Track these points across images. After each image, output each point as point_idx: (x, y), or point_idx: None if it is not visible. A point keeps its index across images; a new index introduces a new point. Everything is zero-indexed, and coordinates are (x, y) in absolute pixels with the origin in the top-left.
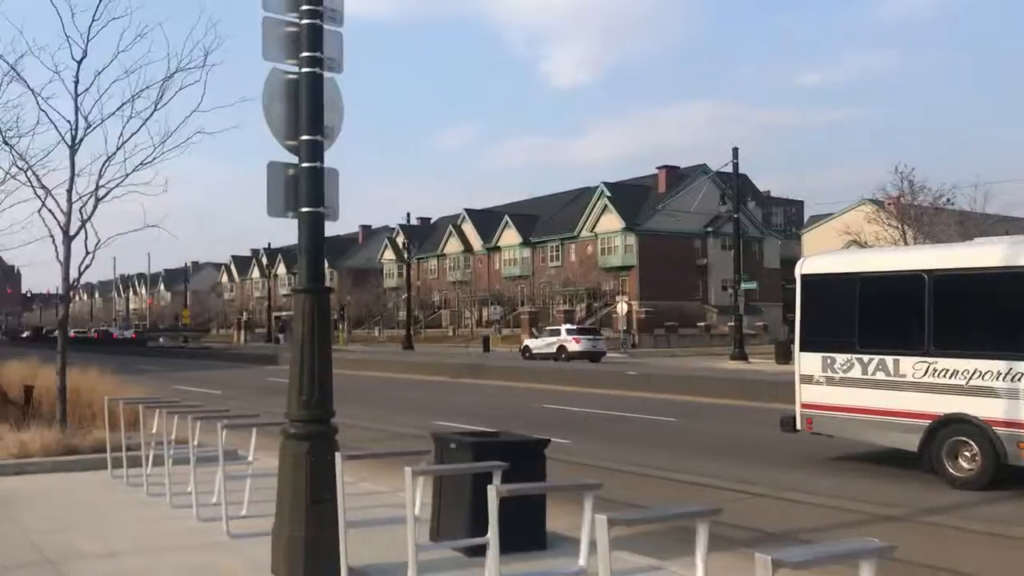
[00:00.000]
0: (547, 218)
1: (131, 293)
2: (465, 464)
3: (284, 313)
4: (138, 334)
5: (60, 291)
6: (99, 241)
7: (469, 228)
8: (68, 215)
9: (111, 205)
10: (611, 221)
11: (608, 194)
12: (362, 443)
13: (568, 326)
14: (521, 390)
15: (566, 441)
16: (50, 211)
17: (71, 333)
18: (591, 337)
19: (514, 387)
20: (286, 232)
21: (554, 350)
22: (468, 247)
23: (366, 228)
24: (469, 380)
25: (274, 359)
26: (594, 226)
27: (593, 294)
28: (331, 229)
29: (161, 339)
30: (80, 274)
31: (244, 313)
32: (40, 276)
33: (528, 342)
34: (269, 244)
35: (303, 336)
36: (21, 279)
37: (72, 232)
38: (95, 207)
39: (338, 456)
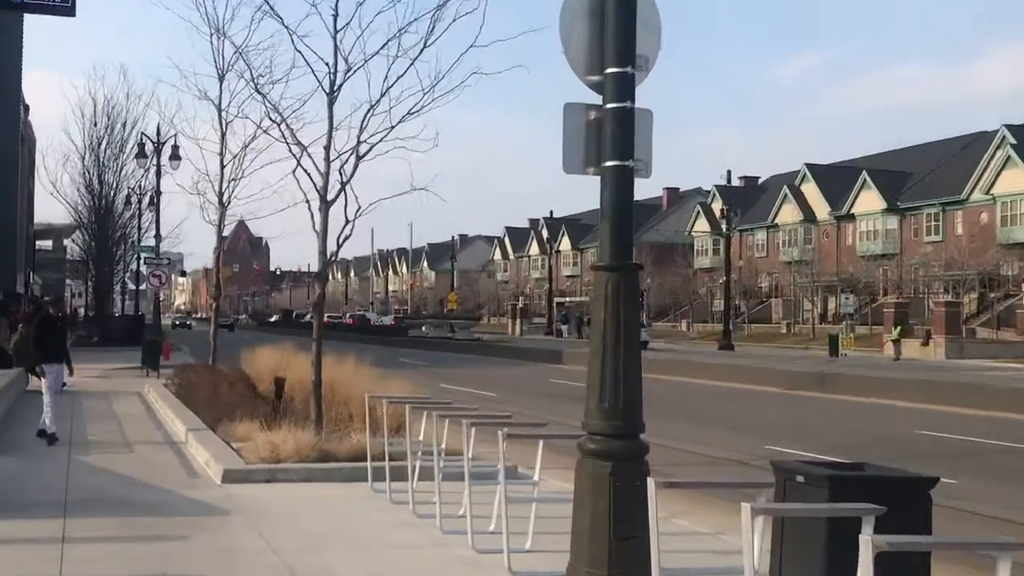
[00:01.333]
0: (921, 176)
1: (390, 271)
2: (823, 504)
3: (567, 300)
4: (398, 321)
5: (315, 268)
6: (359, 208)
7: (811, 190)
8: (326, 176)
9: (369, 166)
10: (1018, 178)
11: (1013, 141)
12: (672, 468)
13: None
14: (890, 409)
15: (952, 481)
16: (305, 171)
17: (325, 318)
18: None
19: (878, 405)
20: (571, 199)
21: None
22: (809, 215)
23: (671, 191)
24: (811, 393)
25: (558, 356)
26: (991, 186)
27: (989, 281)
28: None
29: (424, 327)
30: (339, 247)
31: (520, 298)
32: (290, 251)
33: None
34: (551, 213)
35: (605, 324)
36: (270, 254)
37: (330, 197)
38: (356, 166)
39: (650, 482)
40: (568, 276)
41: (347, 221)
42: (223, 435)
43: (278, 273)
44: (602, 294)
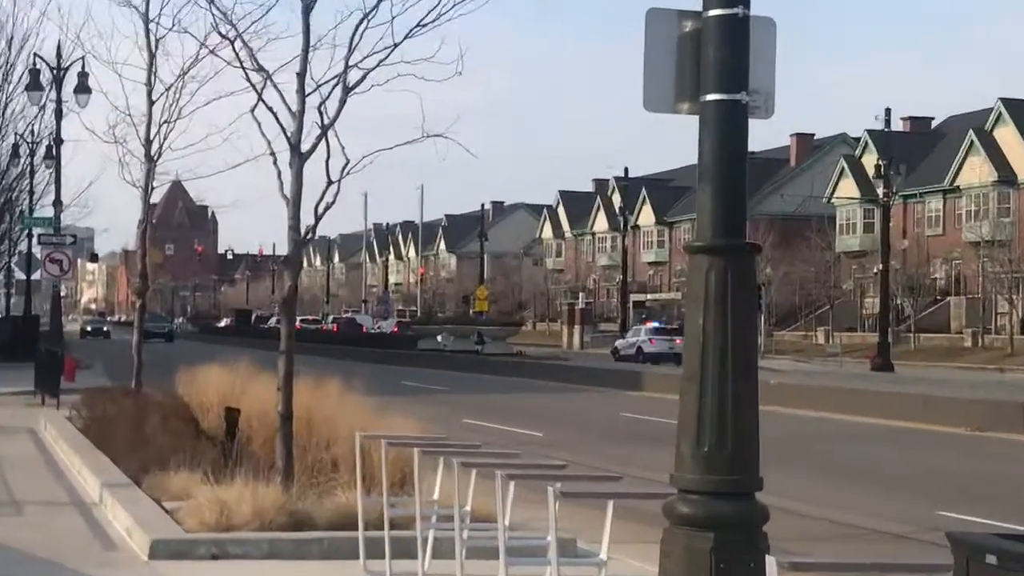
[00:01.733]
0: None
1: (391, 256)
2: None
3: (649, 297)
4: (403, 327)
5: (283, 250)
6: (348, 164)
7: (1009, 135)
8: (300, 116)
9: (362, 102)
10: None
11: None
12: (802, 543)
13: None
14: None
15: None
16: (270, 109)
17: (297, 323)
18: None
19: None
20: (654, 153)
21: None
22: (1007, 173)
23: (803, 140)
24: (1013, 436)
25: (635, 379)
26: None
27: None
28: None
29: (441, 337)
30: (318, 219)
31: (581, 295)
32: (247, 226)
33: None
34: (626, 171)
35: (705, 334)
36: (218, 231)
37: (305, 147)
38: (343, 102)
39: (771, 562)
40: (651, 263)
41: (329, 182)
42: (152, 491)
43: (230, 258)
44: (701, 289)
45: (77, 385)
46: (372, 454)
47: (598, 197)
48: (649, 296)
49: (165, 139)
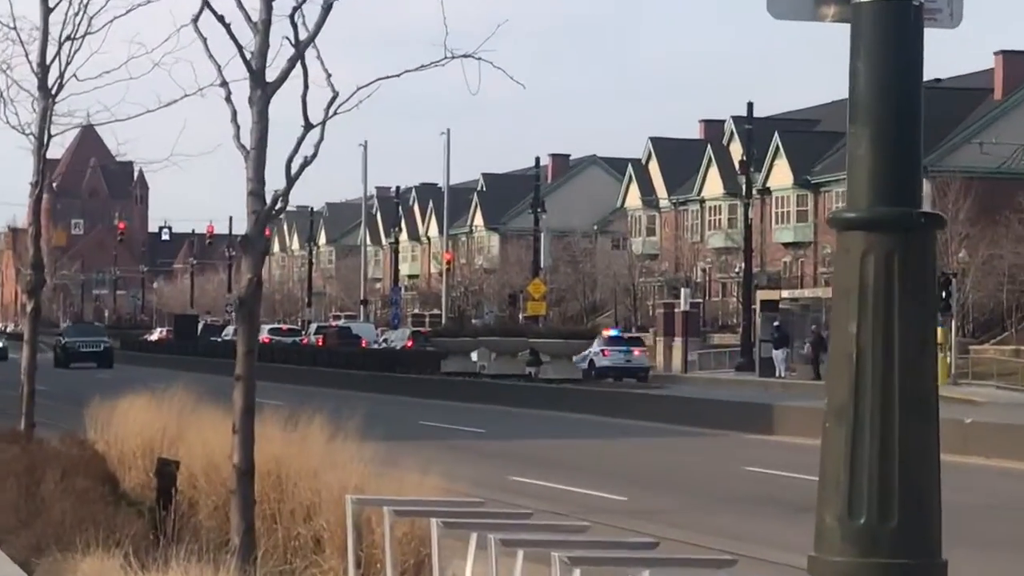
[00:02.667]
0: None
1: (401, 235)
2: None
3: (783, 294)
4: (420, 339)
5: (241, 227)
6: (335, 98)
7: None
8: (264, 30)
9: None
10: None
11: None
12: None
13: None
14: None
15: None
16: (220, 19)
17: (263, 335)
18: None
19: None
20: (783, 90)
21: None
22: None
23: (1012, 60)
24: None
25: (762, 416)
26: None
27: None
28: None
29: (475, 354)
30: (290, 181)
31: (683, 291)
32: (192, 194)
33: None
34: (750, 108)
35: (859, 347)
36: (148, 202)
37: (272, 74)
38: (328, 6)
39: None
40: (787, 244)
41: (307, 125)
42: None
43: (166, 238)
44: (854, 282)
45: None
46: (373, 528)
47: (708, 147)
48: (785, 293)
49: (68, 63)
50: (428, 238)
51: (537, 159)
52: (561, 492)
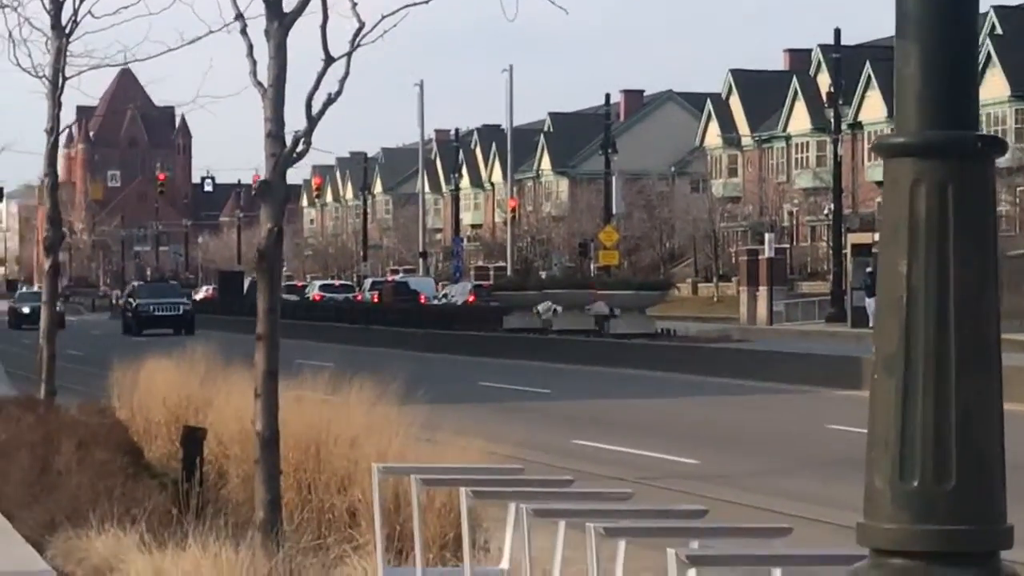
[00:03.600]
0: None
1: (462, 181)
2: None
3: (877, 237)
4: (482, 294)
5: (263, 170)
6: (361, 27)
7: None
8: None
9: None
10: None
11: None
12: None
13: None
14: None
15: None
16: None
17: (315, 292)
18: None
19: None
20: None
21: None
22: None
23: None
24: None
25: (850, 370)
26: None
27: None
28: None
29: (541, 307)
30: (311, 122)
31: (768, 236)
32: (235, 143)
33: None
34: (836, 36)
35: (911, 288)
36: (191, 151)
37: (289, 4)
38: None
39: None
40: (880, 183)
41: (328, 58)
42: (63, 561)
43: (208, 189)
44: (903, 215)
45: None
46: (401, 495)
47: (794, 79)
48: (878, 236)
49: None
50: (492, 184)
51: (607, 96)
52: (629, 456)
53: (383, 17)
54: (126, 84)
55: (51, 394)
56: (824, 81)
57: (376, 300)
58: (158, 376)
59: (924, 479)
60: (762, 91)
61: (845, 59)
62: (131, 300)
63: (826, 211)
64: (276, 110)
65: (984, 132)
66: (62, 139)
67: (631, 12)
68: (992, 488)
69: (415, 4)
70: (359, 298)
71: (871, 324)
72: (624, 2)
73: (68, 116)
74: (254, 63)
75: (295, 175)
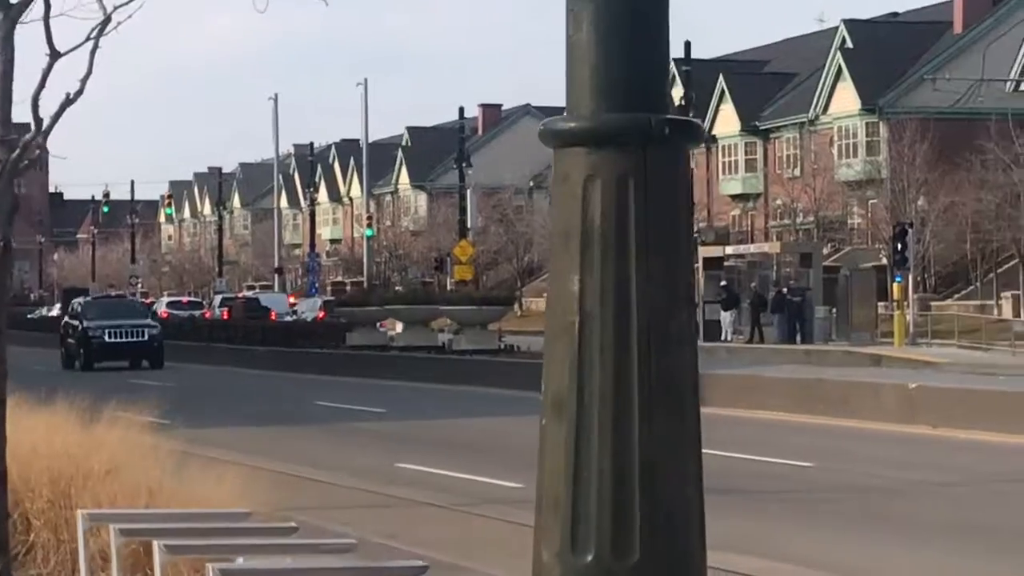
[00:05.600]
0: None
1: (322, 194)
2: None
3: (728, 250)
4: (330, 309)
5: (146, 191)
6: (105, 21)
7: None
8: None
9: None
10: None
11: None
12: None
13: None
14: None
15: None
16: None
17: (162, 309)
18: None
19: None
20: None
21: None
22: None
23: None
24: None
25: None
26: None
27: None
28: None
29: (384, 326)
30: (40, 127)
31: None
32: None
33: None
34: (687, 49)
35: (584, 311)
36: (48, 164)
37: None
38: None
39: None
40: (734, 196)
41: (54, 54)
42: None
43: (63, 200)
44: (575, 220)
45: None
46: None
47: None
48: (729, 249)
49: None
50: (351, 199)
51: (461, 109)
52: (451, 479)
53: (115, 8)
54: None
55: None
56: (677, 94)
57: (226, 317)
58: None
59: (600, 552)
60: None
61: (699, 73)
62: (76, 322)
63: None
64: (3, 111)
65: (676, 116)
66: None
67: (491, 28)
68: (687, 563)
69: None
70: (208, 315)
71: (724, 337)
72: (485, 19)
73: None
74: None
75: (153, 190)
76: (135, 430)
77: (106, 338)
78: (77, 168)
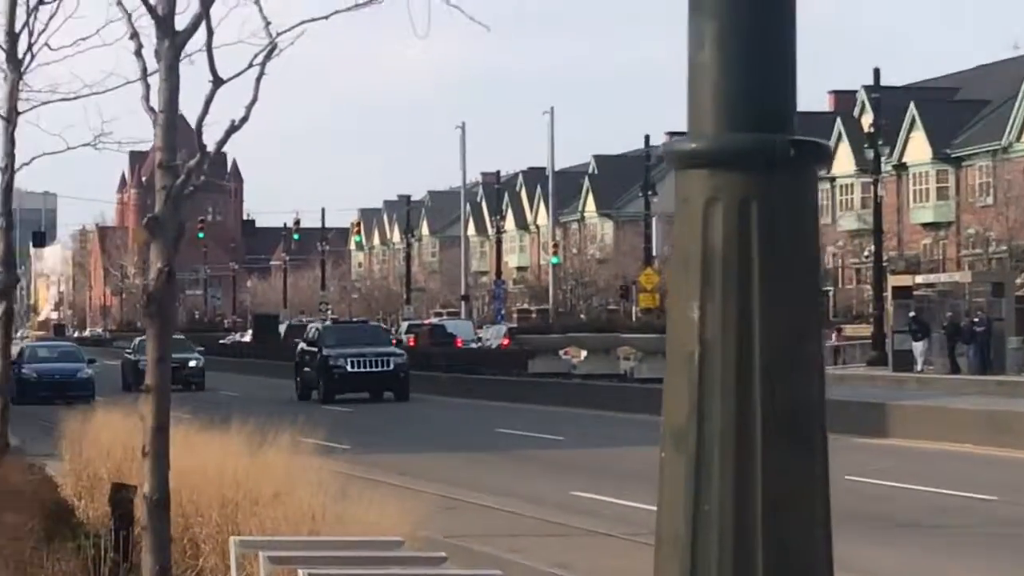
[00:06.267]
0: None
1: (508, 222)
2: None
3: (918, 279)
4: (515, 336)
5: (340, 218)
6: (272, 47)
7: None
8: None
9: None
10: None
11: None
12: None
13: None
14: None
15: None
16: None
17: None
18: None
19: None
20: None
21: None
22: None
23: None
24: None
25: (876, 417)
26: None
27: None
28: None
29: (567, 353)
30: (206, 149)
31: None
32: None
33: None
34: (876, 76)
35: (704, 341)
36: (243, 192)
37: (183, 23)
38: None
39: None
40: (926, 225)
41: (216, 80)
42: None
43: (257, 227)
44: (695, 245)
45: None
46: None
47: (838, 120)
48: (919, 278)
49: (42, 31)
50: (537, 227)
51: (647, 137)
52: (627, 509)
53: (278, 34)
54: (185, 129)
55: (2, 449)
56: (868, 122)
57: (412, 344)
58: (106, 427)
59: None
60: (807, 132)
61: (890, 100)
62: (315, 349)
63: (865, 253)
64: (168, 138)
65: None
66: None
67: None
68: None
69: (313, 20)
70: (395, 342)
71: (917, 368)
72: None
73: (28, 152)
74: (147, 87)
75: (343, 218)
76: (305, 454)
77: (348, 368)
78: (270, 196)
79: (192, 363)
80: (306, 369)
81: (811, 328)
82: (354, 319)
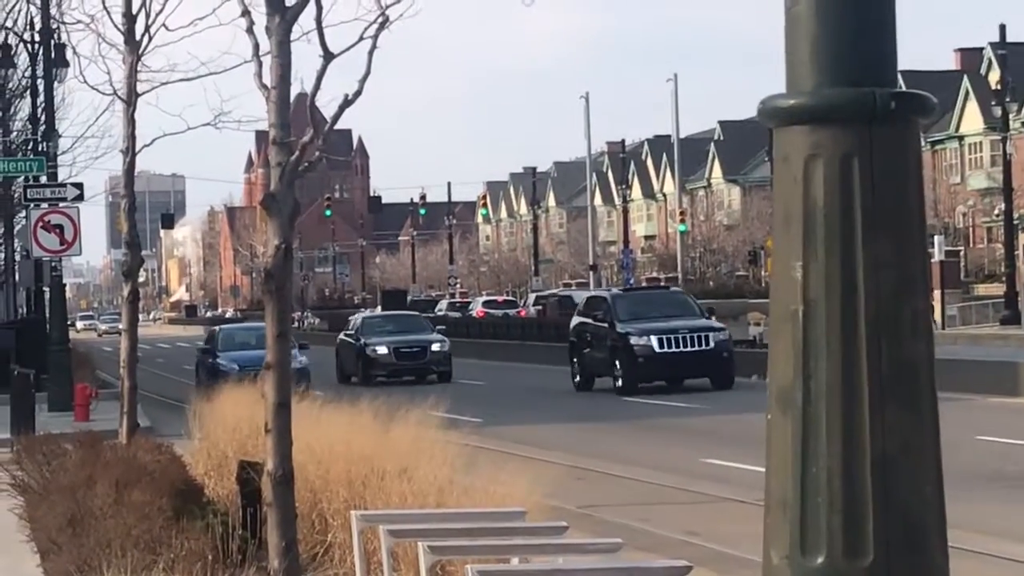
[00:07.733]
0: None
1: (634, 192)
2: None
3: None
4: None
5: (467, 191)
6: (384, 21)
7: None
8: None
9: None
10: None
11: None
12: None
13: None
14: None
15: None
16: None
17: (478, 309)
18: None
19: None
20: None
21: None
22: None
23: None
24: None
25: (1010, 376)
26: None
27: None
28: None
29: (752, 319)
30: (320, 124)
31: (937, 239)
32: (414, 158)
33: None
34: (1002, 32)
35: (807, 300)
36: (369, 168)
37: None
38: None
39: None
40: None
41: (327, 55)
42: None
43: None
44: (796, 203)
45: (94, 425)
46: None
47: (965, 78)
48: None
49: (158, 12)
50: (664, 195)
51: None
52: (758, 476)
53: (387, 6)
54: (303, 106)
55: (132, 428)
56: (995, 79)
57: (543, 315)
58: (230, 405)
59: (832, 554)
60: (933, 92)
61: (1016, 57)
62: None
63: (996, 211)
64: (281, 114)
65: (904, 90)
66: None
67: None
68: (924, 564)
69: None
70: (523, 313)
71: None
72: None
73: (148, 133)
74: (260, 64)
75: (470, 191)
76: (432, 429)
77: (656, 348)
78: (396, 172)
79: (435, 346)
80: (587, 350)
81: (917, 285)
82: (648, 285)
